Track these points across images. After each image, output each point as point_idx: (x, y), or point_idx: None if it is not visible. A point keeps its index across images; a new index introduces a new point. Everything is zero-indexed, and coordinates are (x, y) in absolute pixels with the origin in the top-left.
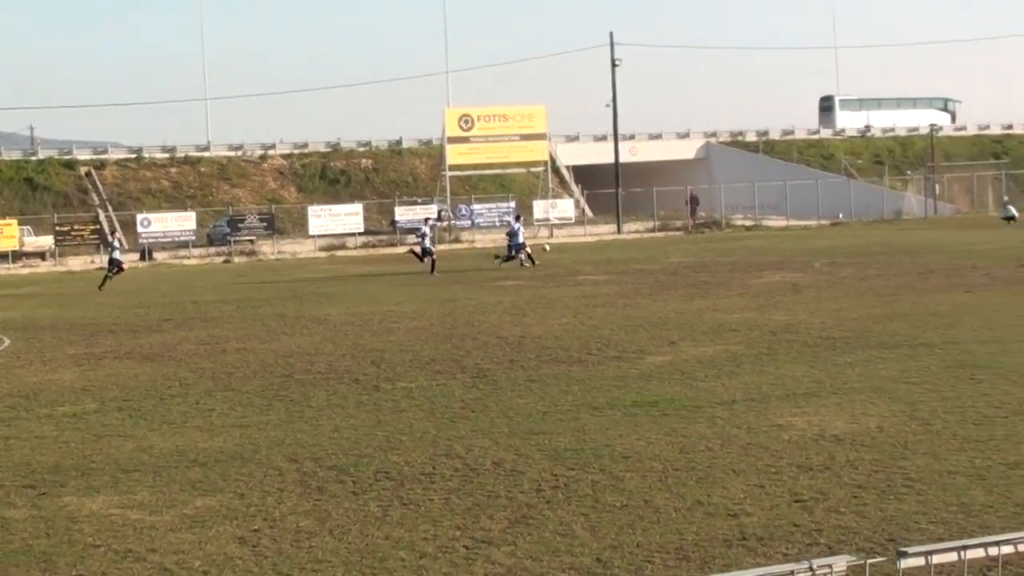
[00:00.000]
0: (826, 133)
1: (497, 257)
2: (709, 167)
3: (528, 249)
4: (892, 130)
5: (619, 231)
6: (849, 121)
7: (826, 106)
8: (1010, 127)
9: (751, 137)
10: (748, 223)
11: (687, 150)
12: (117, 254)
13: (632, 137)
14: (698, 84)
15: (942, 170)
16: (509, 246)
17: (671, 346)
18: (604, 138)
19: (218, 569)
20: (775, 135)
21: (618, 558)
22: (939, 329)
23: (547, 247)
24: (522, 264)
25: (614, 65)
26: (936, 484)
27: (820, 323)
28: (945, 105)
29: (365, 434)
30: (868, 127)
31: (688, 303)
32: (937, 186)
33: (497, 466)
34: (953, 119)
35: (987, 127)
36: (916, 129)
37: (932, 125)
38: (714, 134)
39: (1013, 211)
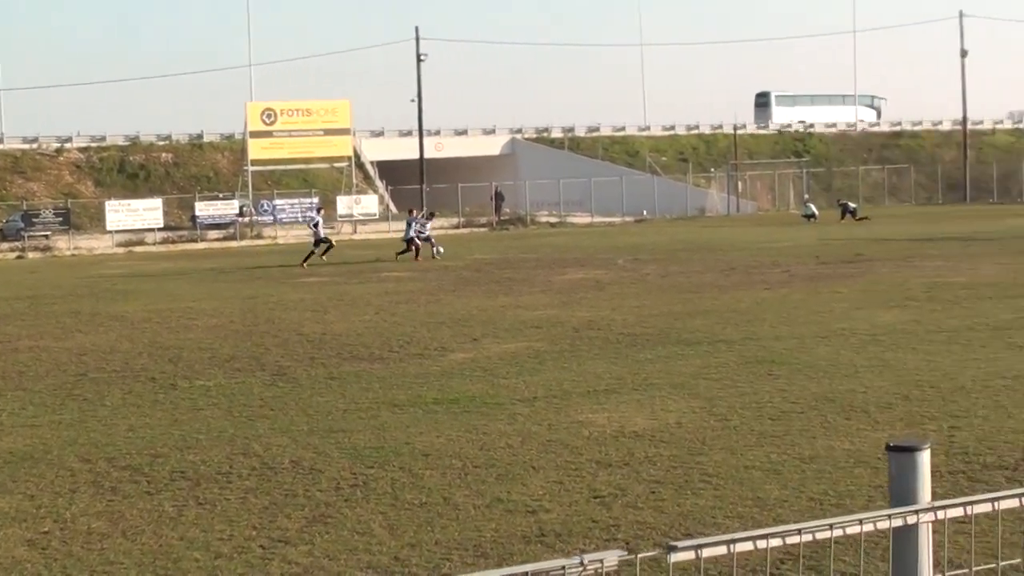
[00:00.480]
0: (761, 129)
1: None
2: (515, 163)
3: (428, 241)
4: (812, 125)
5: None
6: (784, 117)
7: (762, 102)
8: (811, 126)
9: (557, 134)
10: (553, 220)
11: (493, 146)
12: None
13: (438, 133)
14: (505, 80)
15: (745, 168)
16: (414, 238)
17: (473, 343)
18: (409, 134)
19: (5, 573)
20: (581, 132)
21: (416, 556)
22: (739, 326)
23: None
24: (434, 256)
25: (419, 60)
26: (733, 479)
27: (622, 320)
28: (871, 102)
29: (161, 433)
30: (802, 123)
31: (491, 300)
32: (740, 184)
33: (295, 465)
34: (878, 115)
35: (789, 126)
36: (834, 125)
37: (737, 126)
38: (520, 130)
39: (813, 209)
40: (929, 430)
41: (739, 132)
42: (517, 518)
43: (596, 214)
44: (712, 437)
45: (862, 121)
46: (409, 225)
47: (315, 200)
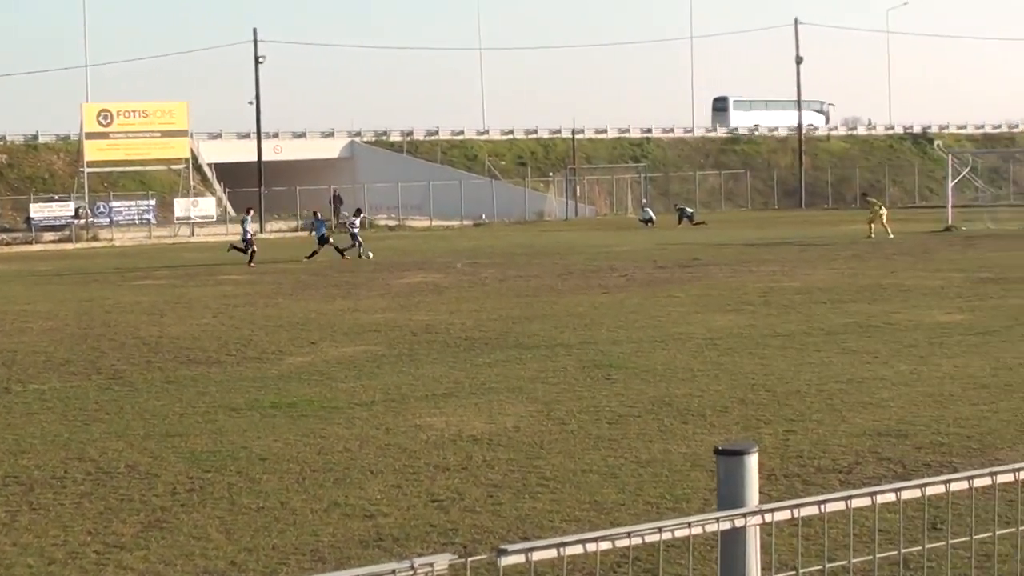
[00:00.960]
0: (721, 132)
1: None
2: (353, 167)
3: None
4: (776, 130)
5: (262, 230)
6: (741, 121)
7: (720, 106)
8: (649, 131)
9: (396, 137)
10: (392, 223)
11: (331, 149)
12: None
13: (276, 135)
14: (343, 83)
15: (583, 172)
16: (320, 238)
17: (311, 347)
18: (248, 136)
19: None
20: (420, 135)
21: (253, 561)
22: (577, 330)
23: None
24: (360, 256)
25: (258, 62)
26: (570, 483)
27: (461, 324)
28: (821, 107)
29: None
30: (756, 127)
31: (329, 303)
32: (578, 188)
33: (131, 469)
34: (827, 120)
35: (627, 130)
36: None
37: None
38: (358, 133)
39: (651, 214)
40: (764, 434)
41: (577, 137)
42: (355, 522)
43: (435, 218)
44: (550, 441)
45: (811, 126)
46: (320, 224)
47: (151, 202)
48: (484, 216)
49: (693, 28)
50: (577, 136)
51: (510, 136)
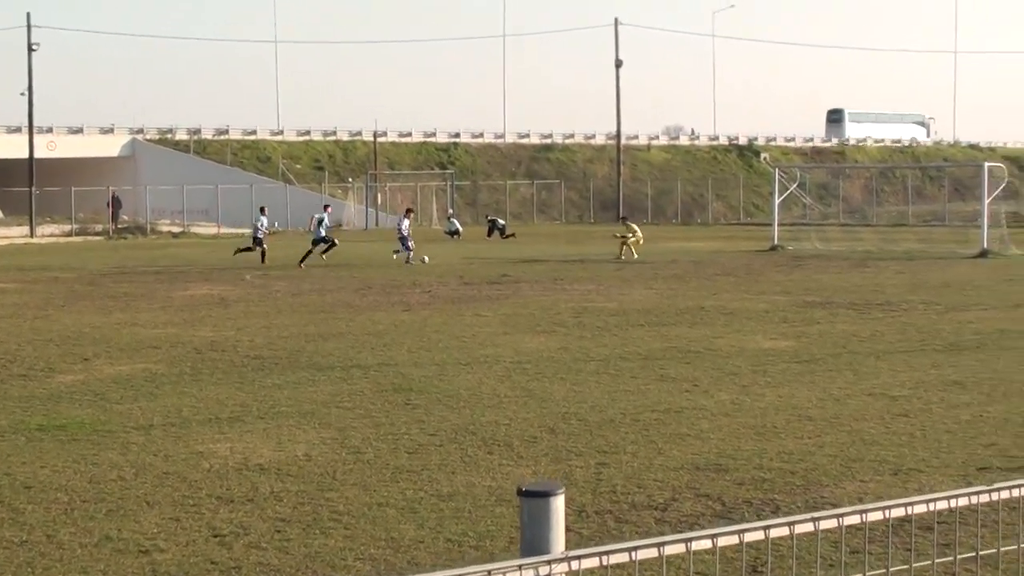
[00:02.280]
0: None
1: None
2: (135, 167)
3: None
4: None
5: (32, 235)
6: (855, 132)
7: (835, 118)
8: (457, 135)
9: (182, 135)
10: (176, 229)
11: (111, 147)
12: None
13: (50, 131)
14: (125, 76)
15: (385, 178)
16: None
17: (84, 364)
18: (19, 130)
19: None
20: (208, 134)
21: None
22: (375, 350)
23: (425, 259)
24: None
25: (31, 50)
26: (365, 517)
27: (249, 341)
28: (923, 120)
29: None
30: (866, 138)
31: (105, 316)
32: (380, 195)
33: None
34: (928, 133)
35: (433, 134)
36: (899, 141)
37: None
38: (141, 131)
39: (458, 225)
40: (575, 466)
41: (380, 140)
42: (128, 558)
43: (223, 224)
44: (344, 471)
45: (915, 139)
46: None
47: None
48: (276, 223)
49: (506, 26)
50: (379, 139)
51: (306, 137)
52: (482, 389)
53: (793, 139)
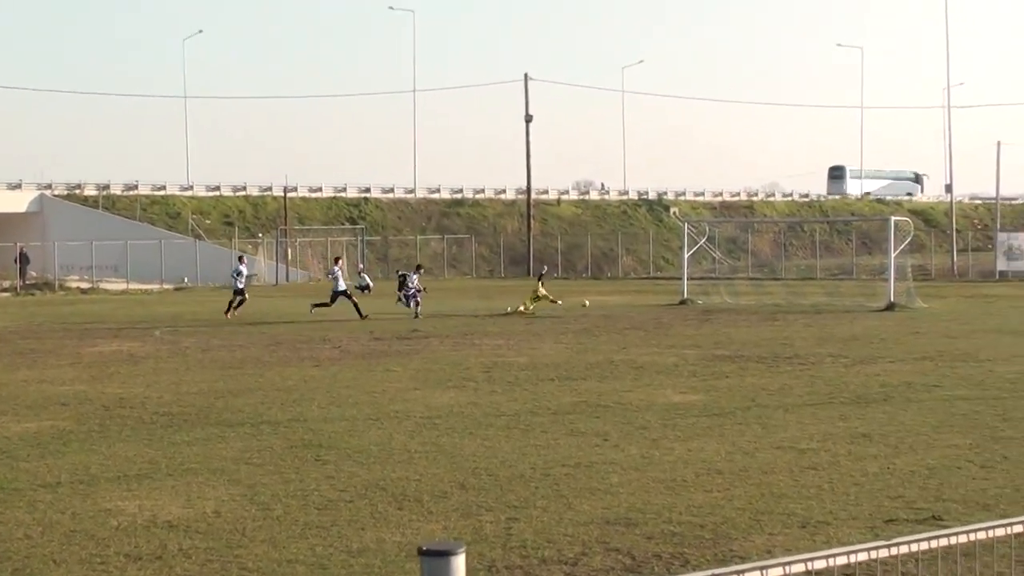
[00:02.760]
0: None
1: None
2: (43, 222)
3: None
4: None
5: None
6: (855, 189)
7: (836, 175)
8: (368, 190)
9: (91, 191)
10: (85, 285)
11: (18, 203)
12: None
13: None
14: (34, 130)
15: (295, 233)
16: (355, 287)
17: None
18: None
19: None
20: (117, 189)
21: None
22: (285, 406)
23: (586, 303)
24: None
25: None
26: (274, 574)
27: (158, 397)
28: (916, 177)
29: None
30: (867, 194)
31: (11, 373)
32: (290, 251)
33: None
34: (922, 189)
35: (344, 189)
36: (295, 190)
37: (283, 188)
38: (49, 186)
39: (368, 280)
40: (486, 521)
41: (290, 195)
42: None
43: (132, 280)
44: (253, 528)
45: (909, 195)
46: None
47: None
48: (187, 279)
49: (416, 81)
50: (289, 194)
51: (216, 193)
52: (392, 444)
53: (703, 193)
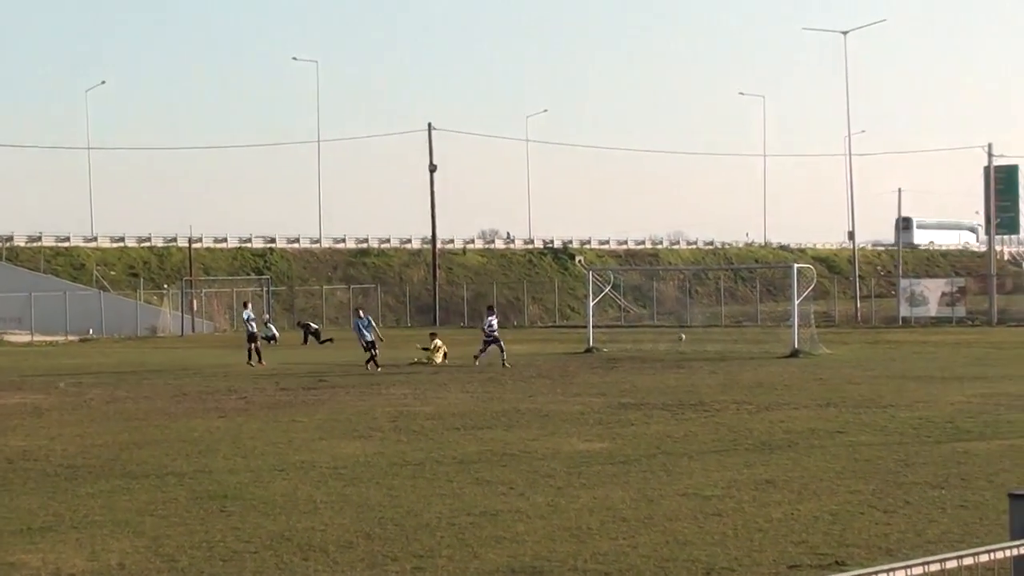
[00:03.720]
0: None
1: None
2: None
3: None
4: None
5: None
6: (922, 238)
7: (905, 226)
8: (273, 240)
9: None
10: None
11: None
12: None
13: None
14: None
15: (200, 284)
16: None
17: None
18: None
19: None
20: (20, 241)
21: None
22: (190, 457)
23: (683, 336)
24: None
25: None
26: None
27: (62, 450)
28: (973, 227)
29: None
30: (931, 242)
31: None
32: (195, 301)
33: None
34: (977, 238)
35: (249, 240)
36: (199, 240)
37: (189, 238)
38: None
39: (274, 330)
40: (391, 571)
41: (195, 246)
42: None
43: (37, 332)
44: None
45: (967, 243)
46: (360, 330)
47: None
48: (91, 331)
49: (320, 131)
50: (194, 245)
51: (121, 244)
52: (298, 495)
53: (607, 241)
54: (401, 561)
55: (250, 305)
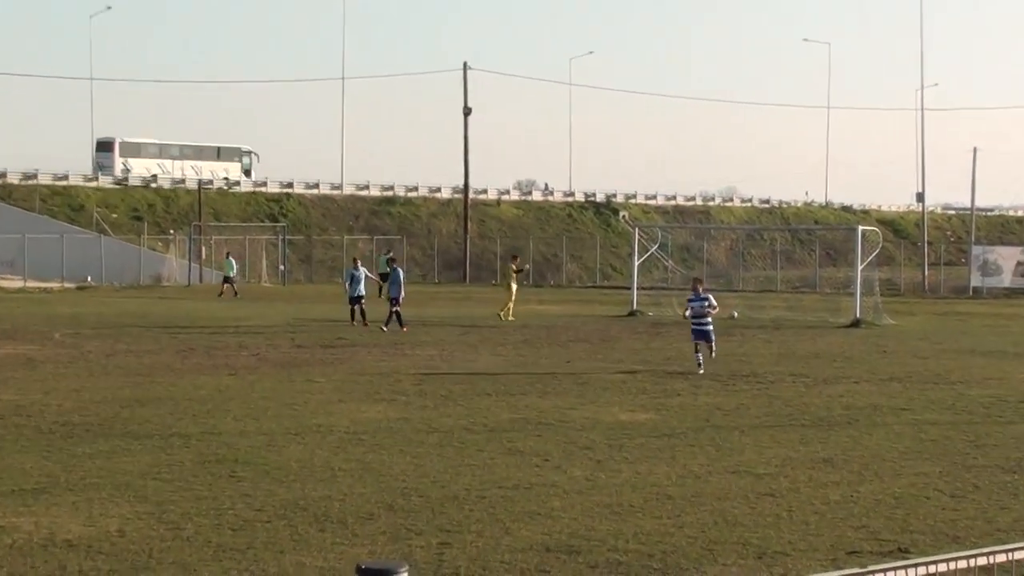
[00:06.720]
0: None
1: None
2: None
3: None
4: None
5: None
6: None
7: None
8: (290, 185)
9: None
10: None
11: None
12: None
13: None
14: None
15: (211, 231)
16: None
17: None
18: None
19: None
20: (14, 178)
21: None
22: (197, 417)
23: (736, 314)
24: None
25: None
26: None
27: (58, 405)
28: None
29: None
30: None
31: None
32: (204, 249)
33: None
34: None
35: (264, 184)
36: (211, 183)
37: (226, 179)
38: None
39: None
40: (416, 546)
41: (205, 188)
42: None
43: (30, 278)
44: (161, 549)
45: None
46: (353, 281)
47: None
48: (90, 278)
49: (345, 68)
50: (204, 188)
51: (124, 185)
52: (314, 461)
53: (655, 197)
54: (426, 535)
55: (360, 263)
